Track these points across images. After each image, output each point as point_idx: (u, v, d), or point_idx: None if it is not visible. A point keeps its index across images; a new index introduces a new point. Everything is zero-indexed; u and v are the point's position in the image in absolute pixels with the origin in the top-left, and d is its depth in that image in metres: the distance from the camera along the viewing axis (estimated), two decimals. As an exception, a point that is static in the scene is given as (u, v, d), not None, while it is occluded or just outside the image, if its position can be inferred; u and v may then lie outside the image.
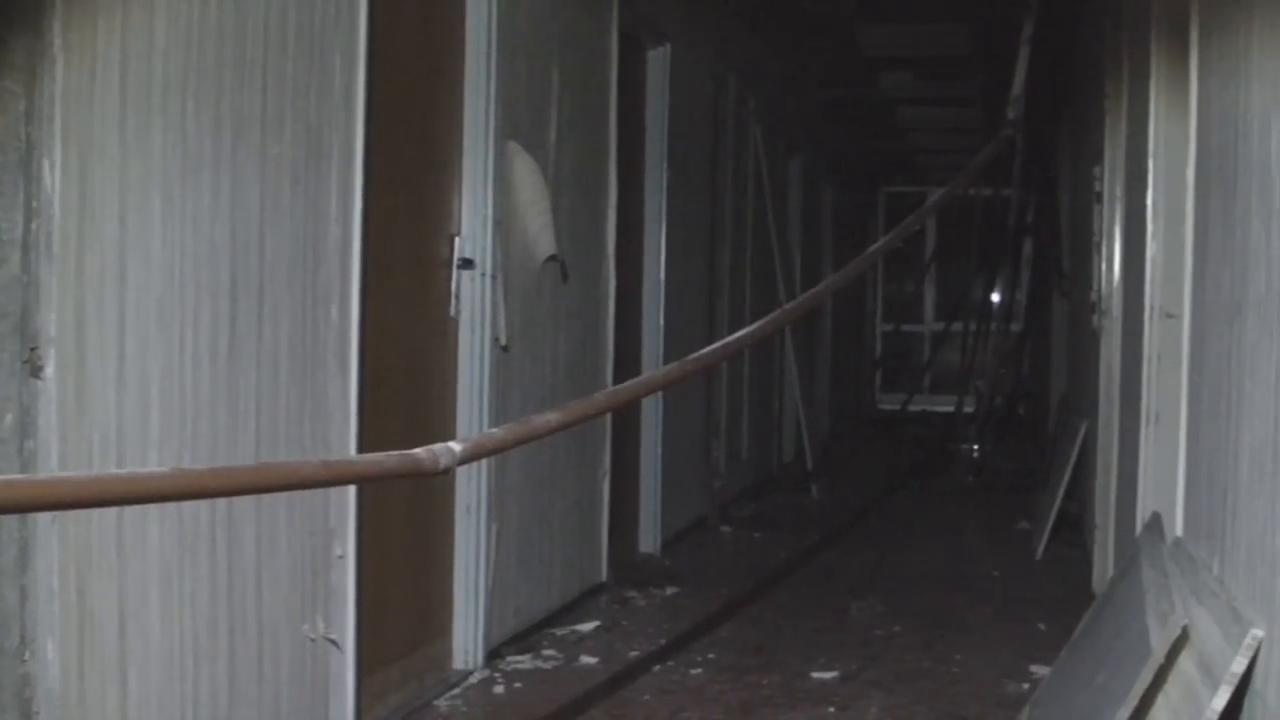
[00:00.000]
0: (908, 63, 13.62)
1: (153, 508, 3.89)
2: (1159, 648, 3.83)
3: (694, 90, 10.08)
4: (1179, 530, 4.93)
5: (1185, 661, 3.89)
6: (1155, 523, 5.55)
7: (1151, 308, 6.30)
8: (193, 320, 4.10)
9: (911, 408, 18.81)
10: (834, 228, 17.52)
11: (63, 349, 3.58)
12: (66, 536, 3.60)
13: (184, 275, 4.05)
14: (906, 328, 21.73)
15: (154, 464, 3.94)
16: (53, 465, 3.55)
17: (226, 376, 4.27)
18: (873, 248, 6.75)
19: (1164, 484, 5.66)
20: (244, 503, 4.34)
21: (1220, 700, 3.43)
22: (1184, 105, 5.06)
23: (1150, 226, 6.36)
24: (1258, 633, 3.39)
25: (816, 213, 16.50)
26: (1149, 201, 6.38)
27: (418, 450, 3.02)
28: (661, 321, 9.25)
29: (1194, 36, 4.86)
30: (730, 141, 11.30)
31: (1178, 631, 3.85)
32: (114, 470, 3.63)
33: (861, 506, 12.04)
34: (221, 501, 4.22)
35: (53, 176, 3.51)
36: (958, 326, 17.29)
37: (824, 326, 16.45)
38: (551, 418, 3.70)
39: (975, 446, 14.62)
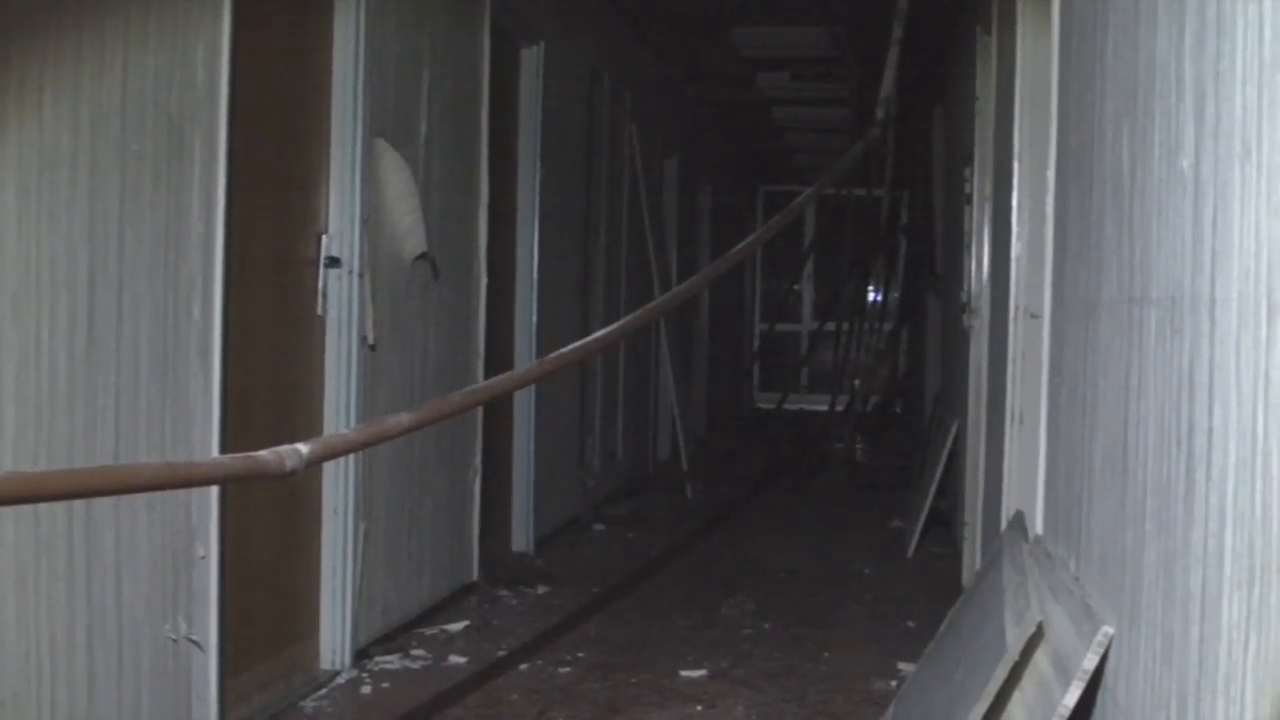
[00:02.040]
0: (784, 63, 13.69)
1: (7, 508, 3.84)
2: (1014, 644, 3.88)
3: (568, 88, 10.08)
4: (1039, 528, 5.00)
5: (1040, 658, 3.94)
6: (1018, 521, 5.61)
7: (1016, 307, 6.37)
8: (49, 317, 4.05)
9: (788, 406, 18.90)
10: (712, 226, 17.57)
11: (-89, 346, 3.52)
12: (-85, 537, 3.55)
13: (40, 271, 4.00)
14: (783, 326, 21.83)
15: (9, 462, 3.89)
16: (-100, 464, 3.50)
17: (84, 374, 4.22)
18: (742, 243, 6.77)
19: (1026, 483, 5.72)
20: (102, 502, 4.30)
21: (1072, 697, 3.47)
22: (1046, 108, 5.12)
23: (1015, 227, 6.44)
24: (1109, 630, 3.44)
25: (694, 211, 16.54)
26: (1014, 202, 6.45)
27: (263, 452, 3.00)
28: (534, 319, 9.23)
29: (1055, 39, 4.93)
30: (605, 140, 11.30)
31: (1033, 628, 3.90)
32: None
33: (736, 505, 12.08)
34: (79, 501, 4.17)
35: (-99, 171, 3.46)
36: (833, 325, 17.38)
37: (701, 325, 16.50)
38: (404, 418, 3.69)
39: (851, 444, 14.71)
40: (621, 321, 5.36)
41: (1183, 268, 2.86)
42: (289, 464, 3.02)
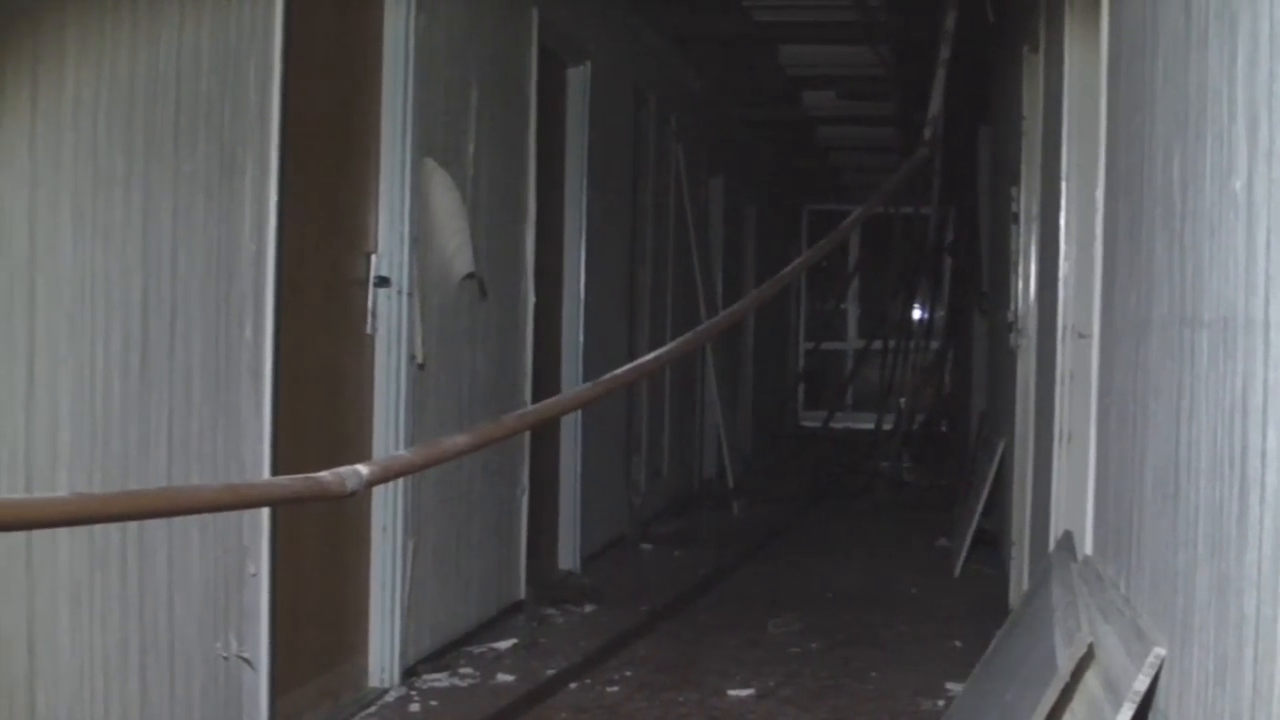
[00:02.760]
0: (829, 82, 13.70)
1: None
2: (1064, 665, 3.87)
3: (615, 107, 10.10)
4: (1088, 549, 4.99)
5: (1091, 679, 3.93)
6: (1067, 541, 5.60)
7: (1064, 327, 6.37)
8: (104, 337, 4.08)
9: (833, 425, 18.87)
10: (757, 245, 17.57)
11: (-31, 366, 3.56)
12: (-28, 555, 3.58)
13: (95, 292, 4.03)
14: (829, 345, 21.80)
15: (64, 483, 3.92)
16: (-42, 483, 3.53)
17: (138, 394, 4.25)
18: (790, 266, 6.79)
19: (1075, 503, 5.71)
20: (155, 521, 4.32)
21: (1123, 718, 3.46)
22: (1095, 128, 5.11)
23: (1063, 247, 6.43)
24: (1160, 651, 3.43)
25: (739, 230, 16.55)
26: (1062, 222, 6.45)
27: (324, 473, 3.02)
28: (581, 339, 9.25)
29: (1104, 61, 4.92)
30: (651, 159, 11.33)
31: (1084, 649, 3.89)
32: (14, 496, 3.60)
33: (782, 524, 12.08)
34: (132, 520, 4.20)
35: (-40, 193, 3.49)
36: (879, 344, 17.35)
37: (746, 343, 16.49)
38: (461, 440, 3.71)
39: (898, 464, 14.68)
40: (675, 343, 5.37)
41: (1235, 290, 2.85)
42: (349, 485, 3.04)
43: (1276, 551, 2.57)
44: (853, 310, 22.48)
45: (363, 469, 3.10)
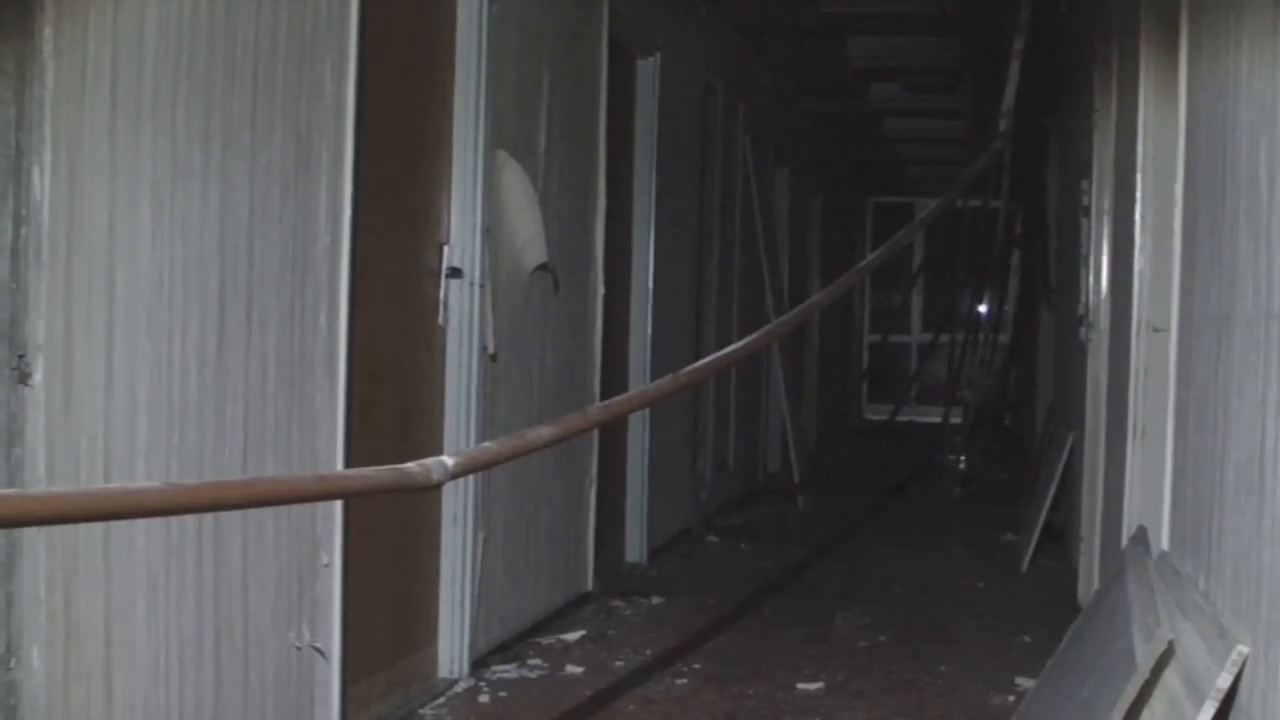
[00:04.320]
0: (896, 74, 13.65)
1: (139, 515, 3.88)
2: (1144, 662, 3.84)
3: (683, 99, 10.09)
4: (1165, 544, 4.94)
5: (1170, 676, 3.89)
6: (1141, 536, 5.56)
7: (1139, 321, 6.31)
8: (181, 328, 4.09)
9: (899, 418, 18.81)
10: (822, 237, 17.53)
11: (51, 356, 3.57)
12: (53, 543, 3.59)
13: (173, 283, 4.04)
14: (894, 338, 21.74)
15: (141, 472, 3.94)
16: (39, 473, 3.54)
17: (214, 384, 4.27)
18: (862, 264, 6.76)
19: (1150, 498, 5.67)
20: (231, 512, 4.33)
21: (1206, 715, 3.43)
22: (1173, 120, 5.07)
23: (1138, 240, 6.38)
24: (1243, 649, 3.40)
25: (804, 222, 16.51)
26: (1137, 215, 6.39)
27: (410, 465, 3.02)
28: (649, 331, 9.25)
29: (1183, 52, 4.88)
30: (719, 150, 11.31)
31: (1163, 646, 3.86)
32: (104, 485, 3.62)
33: (848, 517, 12.05)
34: (209, 509, 4.21)
35: (42, 183, 3.51)
36: (945, 338, 17.28)
37: (811, 337, 16.45)
38: (545, 432, 3.70)
39: (962, 458, 14.62)
40: (751, 338, 5.33)
41: (1326, 284, 2.82)
42: (435, 476, 3.03)
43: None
44: (918, 304, 22.40)
45: (448, 460, 3.10)
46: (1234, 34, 3.92)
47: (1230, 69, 3.97)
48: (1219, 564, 3.91)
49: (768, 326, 5.44)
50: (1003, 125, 8.19)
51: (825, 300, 6.57)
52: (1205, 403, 4.23)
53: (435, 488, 3.08)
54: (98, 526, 3.76)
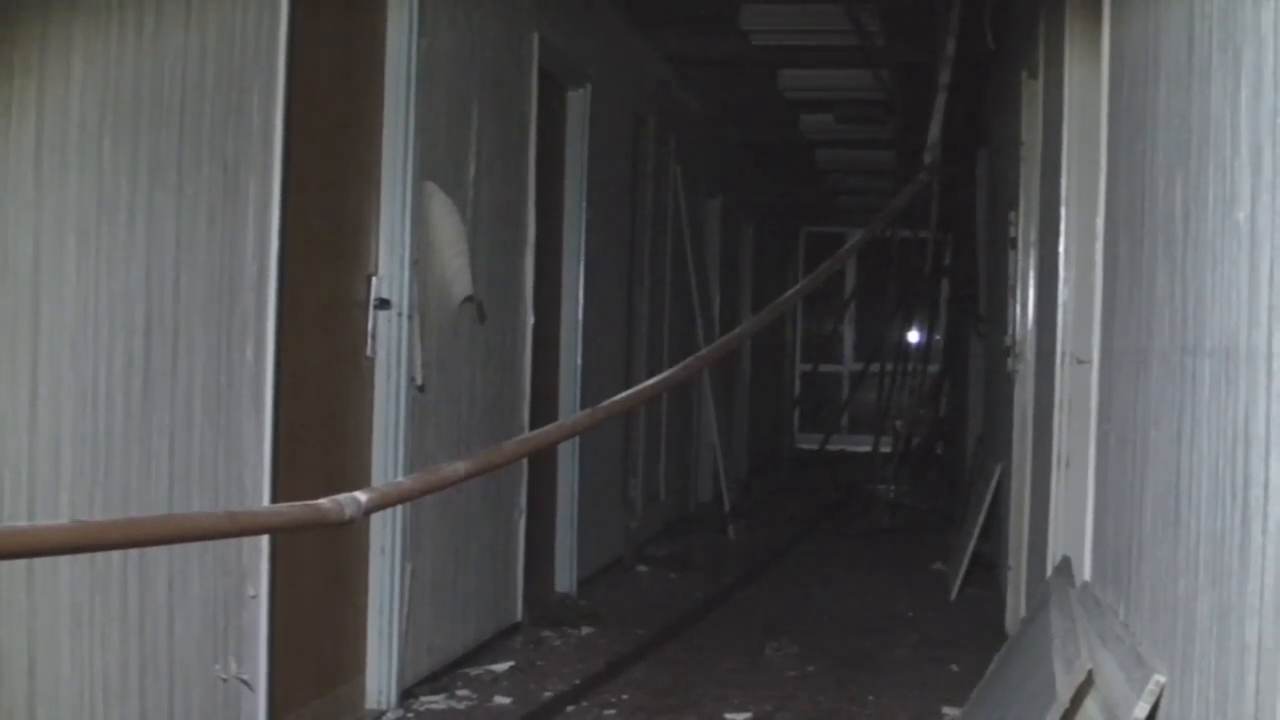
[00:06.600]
0: (828, 105, 13.72)
1: (63, 548, 3.87)
2: (1064, 692, 3.88)
3: (614, 130, 10.13)
4: (1087, 574, 4.99)
5: (1090, 705, 3.93)
6: (1065, 566, 5.60)
7: (1063, 353, 6.38)
8: (106, 360, 4.09)
9: (829, 447, 18.87)
10: (754, 267, 17.59)
11: (-26, 389, 3.56)
12: (-25, 577, 3.58)
13: (98, 315, 4.04)
14: (825, 367, 21.82)
15: (65, 505, 3.93)
16: (-38, 505, 3.53)
17: (140, 416, 4.26)
18: (790, 292, 6.79)
19: (1073, 528, 5.71)
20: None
21: (1124, 745, 3.47)
22: (1095, 155, 5.13)
23: (1062, 273, 6.45)
24: (1160, 678, 3.44)
25: (737, 252, 16.57)
26: (1060, 248, 6.46)
27: (323, 501, 3.02)
28: (579, 361, 9.26)
29: (1104, 87, 4.94)
30: (650, 181, 11.35)
31: (1083, 676, 3.90)
32: (14, 524, 3.61)
33: (778, 547, 12.08)
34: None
35: (-34, 216, 3.50)
36: (876, 367, 17.37)
37: (743, 366, 16.50)
38: (460, 467, 3.71)
39: (892, 487, 14.68)
40: (672, 370, 5.36)
41: (1238, 320, 2.87)
42: (348, 512, 3.04)
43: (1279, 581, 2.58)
44: (849, 333, 22.50)
45: (361, 496, 3.10)
46: (1152, 72, 3.98)
47: (1148, 106, 4.03)
48: (1138, 594, 3.96)
49: (685, 361, 5.45)
50: (928, 158, 8.26)
51: (751, 330, 6.61)
52: (1125, 435, 4.28)
53: (348, 523, 3.08)
54: (20, 560, 3.74)
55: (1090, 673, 3.93)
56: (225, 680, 4.81)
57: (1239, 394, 2.85)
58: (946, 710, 6.57)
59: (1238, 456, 2.85)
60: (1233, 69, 2.97)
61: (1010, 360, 8.54)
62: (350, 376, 6.10)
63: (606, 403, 4.67)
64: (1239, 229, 2.89)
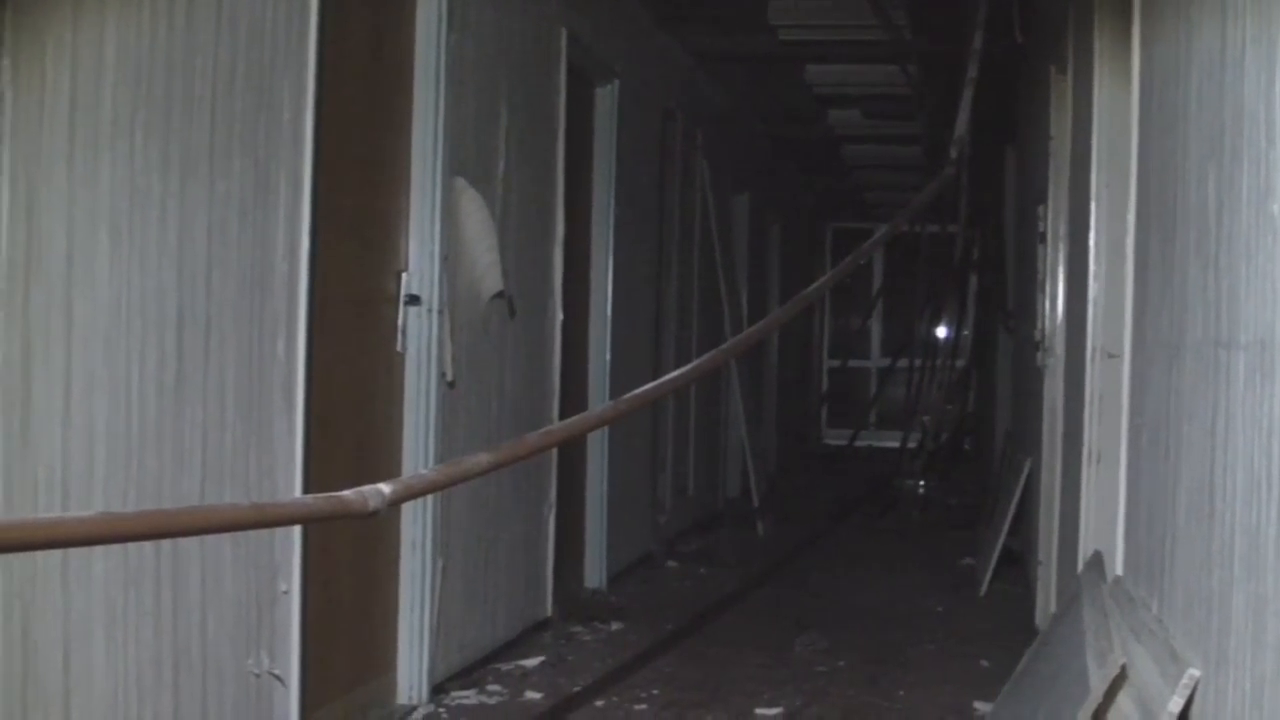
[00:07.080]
0: (855, 100, 13.70)
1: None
2: (1097, 686, 3.87)
3: (642, 126, 10.13)
4: (1119, 569, 4.97)
5: (1124, 700, 3.92)
6: (1096, 561, 5.59)
7: (1093, 347, 6.35)
8: (139, 356, 4.10)
9: (858, 443, 18.86)
10: (781, 263, 17.57)
11: (8, 385, 3.57)
12: (10, 572, 3.59)
13: (130, 311, 4.05)
14: (853, 363, 21.81)
15: (99, 501, 3.94)
16: (-4, 501, 3.54)
17: (172, 412, 4.27)
18: (815, 284, 6.77)
19: (1105, 523, 5.70)
20: (189, 538, 4.34)
21: (1157, 739, 3.46)
22: (1126, 148, 5.11)
23: (1092, 267, 6.42)
24: (1194, 672, 3.43)
25: (764, 248, 16.55)
26: (1091, 242, 6.44)
27: (347, 492, 3.02)
28: (608, 357, 9.27)
29: (1135, 82, 4.92)
30: (677, 177, 11.35)
31: (1116, 670, 3.89)
32: (45, 515, 3.62)
33: (807, 542, 12.07)
34: (166, 537, 4.21)
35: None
36: (904, 362, 17.35)
37: (771, 361, 16.50)
38: (483, 458, 3.70)
39: (920, 482, 14.66)
40: (696, 362, 5.35)
41: (1273, 312, 2.86)
42: (372, 504, 3.04)
43: (1315, 574, 2.57)
44: (877, 328, 22.47)
45: (385, 488, 3.10)
46: (1184, 65, 3.96)
47: (1180, 100, 4.01)
48: (1171, 589, 3.95)
49: (714, 350, 5.43)
50: (954, 152, 8.23)
51: (776, 323, 6.59)
52: (1157, 429, 4.27)
53: (373, 515, 3.08)
54: (55, 555, 3.76)
55: (1124, 667, 3.92)
56: (257, 675, 4.82)
57: (1274, 387, 2.84)
58: (978, 705, 6.56)
59: (1273, 449, 2.84)
60: (1266, 61, 2.96)
61: (1040, 355, 8.52)
62: (380, 372, 6.11)
63: (631, 394, 4.66)
64: (1273, 221, 2.88)
